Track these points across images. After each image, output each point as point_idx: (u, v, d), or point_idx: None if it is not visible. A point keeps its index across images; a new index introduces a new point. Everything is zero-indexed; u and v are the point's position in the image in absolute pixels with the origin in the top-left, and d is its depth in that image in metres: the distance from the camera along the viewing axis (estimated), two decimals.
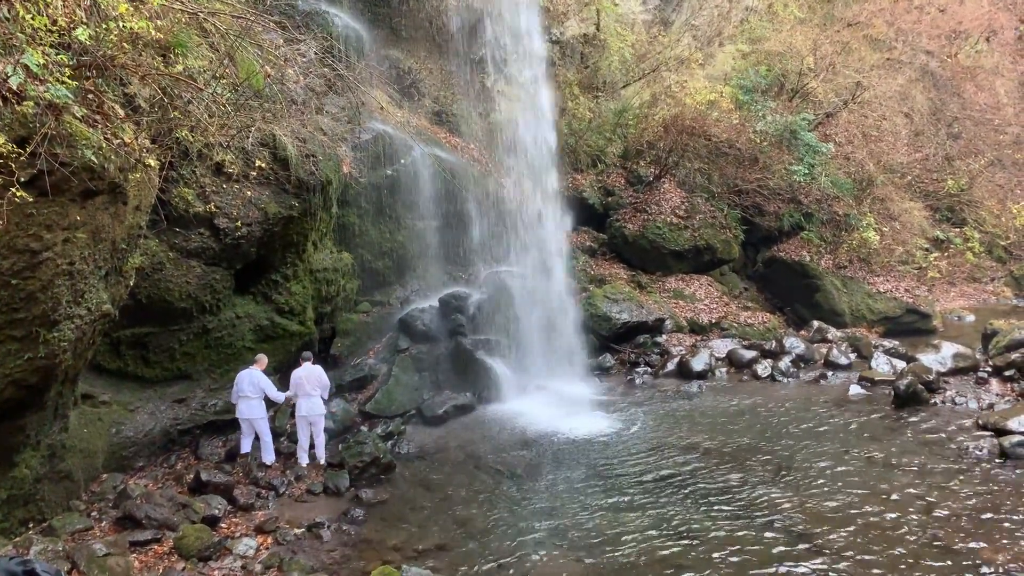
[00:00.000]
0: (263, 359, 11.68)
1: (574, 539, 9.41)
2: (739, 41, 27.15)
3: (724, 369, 17.32)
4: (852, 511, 9.84)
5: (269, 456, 11.57)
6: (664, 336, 18.57)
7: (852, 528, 9.34)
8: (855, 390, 15.25)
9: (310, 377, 11.73)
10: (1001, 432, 11.97)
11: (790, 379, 16.53)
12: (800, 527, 9.45)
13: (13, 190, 6.64)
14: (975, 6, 33.06)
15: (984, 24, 34.11)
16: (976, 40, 34.81)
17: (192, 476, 10.56)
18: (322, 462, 11.75)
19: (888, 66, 28.59)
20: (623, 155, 23.71)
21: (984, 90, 33.79)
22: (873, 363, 16.48)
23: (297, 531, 9.66)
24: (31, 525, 8.91)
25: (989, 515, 9.55)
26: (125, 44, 8.37)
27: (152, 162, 8.62)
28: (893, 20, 29.71)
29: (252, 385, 11.27)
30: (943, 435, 12.49)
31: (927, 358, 15.81)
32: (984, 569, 8.25)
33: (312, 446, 11.83)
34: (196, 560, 8.62)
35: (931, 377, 14.66)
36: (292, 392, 11.75)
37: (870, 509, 9.87)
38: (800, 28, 26.63)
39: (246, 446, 11.50)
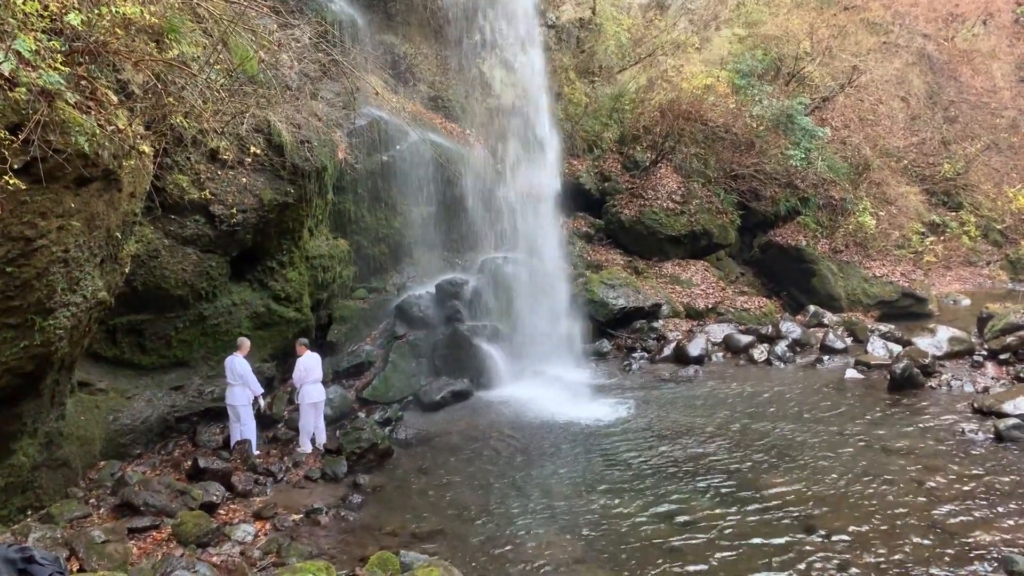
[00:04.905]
0: (245, 344, 11.56)
1: (571, 523, 9.46)
2: (735, 25, 27.00)
3: (720, 354, 17.37)
4: (849, 494, 9.90)
5: (235, 437, 11.43)
6: (661, 321, 18.60)
7: (849, 510, 9.41)
8: (851, 374, 15.31)
9: (318, 363, 11.90)
10: (997, 415, 12.07)
11: (786, 363, 16.58)
12: (797, 510, 9.51)
13: (7, 177, 6.61)
14: None
15: (981, 7, 34.05)
16: (973, 23, 34.73)
17: (190, 463, 10.58)
18: (321, 446, 11.80)
19: (885, 50, 28.52)
20: (619, 140, 23.60)
21: (981, 74, 33.75)
22: (869, 347, 16.51)
23: (295, 517, 9.69)
24: (29, 512, 8.92)
25: (984, 496, 9.63)
26: (118, 30, 8.27)
27: (146, 149, 8.57)
28: (890, 3, 29.62)
29: (232, 372, 11.27)
30: (939, 418, 12.56)
31: (923, 342, 15.87)
32: (979, 549, 8.31)
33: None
34: (194, 546, 8.63)
35: (927, 361, 14.72)
36: (298, 380, 11.79)
37: (867, 492, 9.94)
38: (797, 12, 26.48)
39: (235, 433, 11.50)
